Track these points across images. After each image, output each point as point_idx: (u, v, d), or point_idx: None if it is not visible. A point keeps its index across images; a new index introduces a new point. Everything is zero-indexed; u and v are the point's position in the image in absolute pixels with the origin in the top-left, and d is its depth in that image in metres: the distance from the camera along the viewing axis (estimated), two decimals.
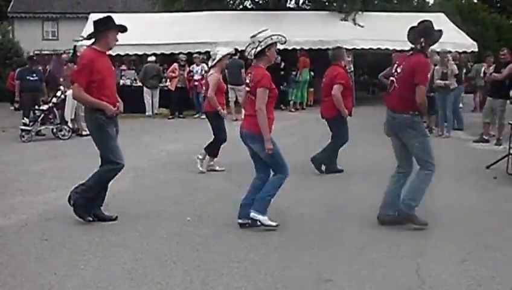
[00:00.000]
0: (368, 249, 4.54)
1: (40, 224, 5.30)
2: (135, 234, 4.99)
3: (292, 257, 4.39)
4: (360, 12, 18.67)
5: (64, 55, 14.60)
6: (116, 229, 5.10)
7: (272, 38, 4.95)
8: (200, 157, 7.76)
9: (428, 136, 5.35)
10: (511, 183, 7.09)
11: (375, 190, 6.21)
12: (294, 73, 16.76)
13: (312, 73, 17.16)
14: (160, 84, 16.07)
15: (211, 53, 8.02)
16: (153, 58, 16.05)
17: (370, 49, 16.75)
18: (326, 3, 21.96)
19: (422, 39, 5.01)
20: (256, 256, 4.40)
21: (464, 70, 17.49)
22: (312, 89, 17.55)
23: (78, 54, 15.21)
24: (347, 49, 16.81)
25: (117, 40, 5.27)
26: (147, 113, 15.72)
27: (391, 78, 5.24)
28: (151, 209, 5.84)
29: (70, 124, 11.61)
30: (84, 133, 10.96)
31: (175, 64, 15.66)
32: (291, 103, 16.72)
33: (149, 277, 3.98)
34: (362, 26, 18.18)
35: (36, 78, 12.40)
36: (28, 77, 12.33)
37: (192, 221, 5.39)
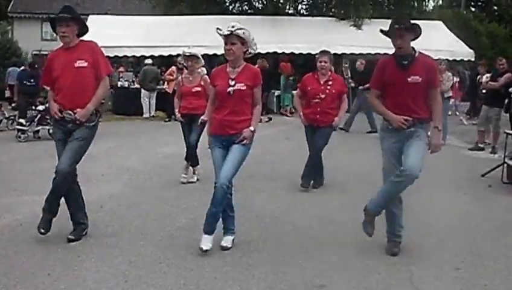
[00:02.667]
0: (362, 256, 4.54)
1: (35, 224, 5.25)
2: (129, 236, 4.99)
3: (286, 262, 4.39)
4: (368, 20, 18.72)
5: None
6: (110, 231, 5.10)
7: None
8: (195, 178, 7.36)
9: None
10: (506, 191, 7.12)
11: (370, 197, 6.22)
12: (291, 78, 16.84)
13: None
14: (158, 87, 16.09)
15: (191, 52, 7.40)
16: (149, 61, 16.06)
17: (368, 54, 16.80)
18: (324, 9, 22.03)
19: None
20: (250, 260, 4.40)
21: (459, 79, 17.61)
22: None
23: None
24: (345, 54, 17.08)
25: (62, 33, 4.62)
26: (144, 115, 15.75)
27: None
28: (146, 211, 5.84)
29: None
30: None
31: (173, 67, 15.68)
32: (288, 108, 16.83)
33: (143, 279, 3.98)
34: (361, 30, 18.26)
35: (33, 83, 12.55)
36: (25, 82, 12.62)
37: (187, 224, 5.39)
